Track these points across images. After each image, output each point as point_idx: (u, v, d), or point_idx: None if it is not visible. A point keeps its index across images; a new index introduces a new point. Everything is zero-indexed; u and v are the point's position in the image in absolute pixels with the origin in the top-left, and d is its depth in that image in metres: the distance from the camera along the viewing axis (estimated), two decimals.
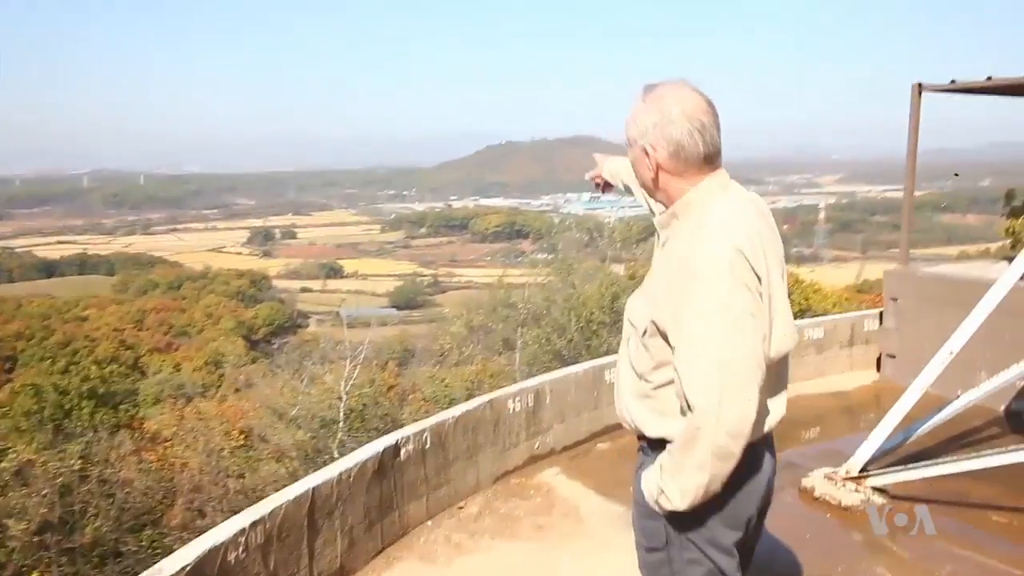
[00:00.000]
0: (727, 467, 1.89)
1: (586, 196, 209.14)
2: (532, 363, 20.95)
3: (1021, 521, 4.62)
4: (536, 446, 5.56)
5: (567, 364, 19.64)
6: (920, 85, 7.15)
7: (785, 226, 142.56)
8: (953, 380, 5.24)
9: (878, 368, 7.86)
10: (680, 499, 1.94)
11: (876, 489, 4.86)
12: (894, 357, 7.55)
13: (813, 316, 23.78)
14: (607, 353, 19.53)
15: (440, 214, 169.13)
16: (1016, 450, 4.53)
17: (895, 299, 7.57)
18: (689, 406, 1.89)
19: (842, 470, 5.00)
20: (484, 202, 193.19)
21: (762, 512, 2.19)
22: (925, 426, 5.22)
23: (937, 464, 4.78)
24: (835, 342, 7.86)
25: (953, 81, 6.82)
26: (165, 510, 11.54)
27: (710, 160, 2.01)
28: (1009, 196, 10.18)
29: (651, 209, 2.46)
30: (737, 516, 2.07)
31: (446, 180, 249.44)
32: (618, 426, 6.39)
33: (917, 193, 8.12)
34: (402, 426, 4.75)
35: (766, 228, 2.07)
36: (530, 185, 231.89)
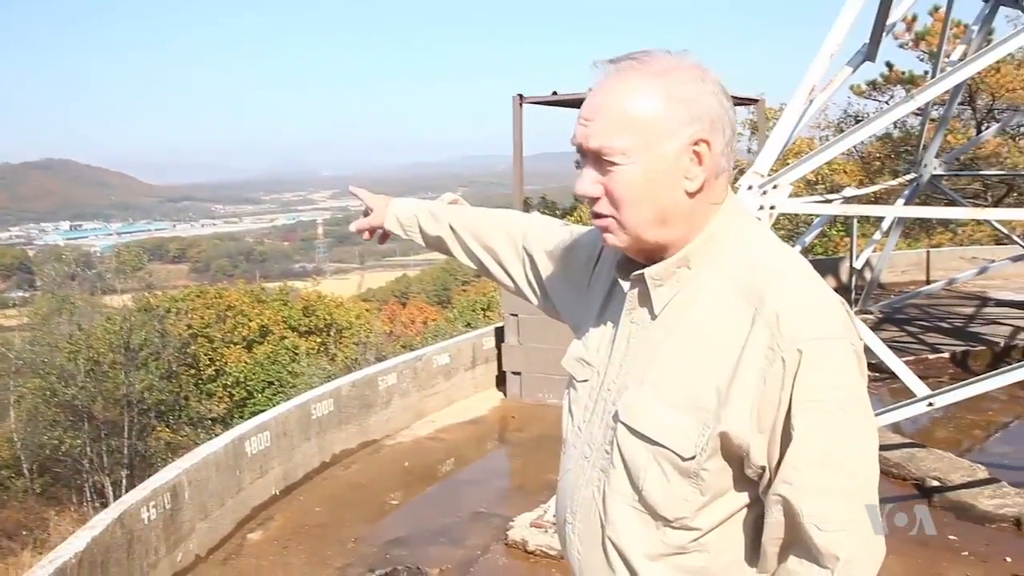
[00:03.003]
0: None
1: (65, 224, 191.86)
2: (32, 419, 18.25)
3: None
4: (179, 559, 4.48)
5: (80, 415, 17.50)
6: (521, 96, 7.82)
7: (286, 243, 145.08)
8: None
9: (498, 386, 7.80)
10: None
11: None
12: (519, 374, 7.49)
13: (340, 331, 24.22)
14: (127, 396, 17.84)
15: None
16: None
17: (515, 315, 7.52)
18: (812, 555, 1.21)
19: (548, 514, 4.71)
20: None
21: None
22: None
23: None
24: (460, 366, 7.66)
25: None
26: None
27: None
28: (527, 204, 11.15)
29: (514, 283, 1.76)
30: None
31: None
32: (264, 505, 5.50)
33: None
34: None
35: None
36: None
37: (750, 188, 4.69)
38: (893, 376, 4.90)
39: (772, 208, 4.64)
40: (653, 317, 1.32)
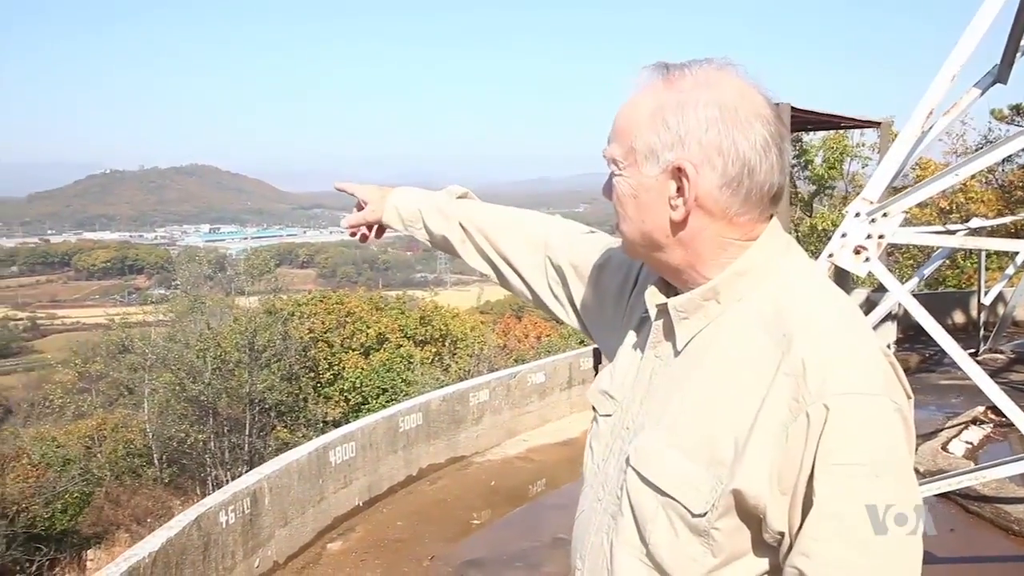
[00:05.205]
0: None
1: (205, 227, 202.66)
2: (164, 412, 19.11)
3: None
4: (256, 564, 4.51)
5: (206, 410, 18.25)
6: None
7: (408, 253, 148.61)
8: None
9: None
10: None
11: None
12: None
13: (455, 342, 24.41)
14: (250, 395, 18.52)
15: (35, 250, 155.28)
16: None
17: None
18: None
19: None
20: (88, 235, 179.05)
21: None
22: None
23: None
24: (556, 385, 7.56)
25: None
26: None
27: (776, 200, 1.19)
28: None
29: (533, 293, 1.61)
30: None
31: (40, 212, 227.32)
32: (347, 516, 5.51)
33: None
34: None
35: None
36: (141, 217, 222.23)
37: (857, 215, 4.42)
38: None
39: (881, 238, 4.34)
40: (676, 353, 1.20)
